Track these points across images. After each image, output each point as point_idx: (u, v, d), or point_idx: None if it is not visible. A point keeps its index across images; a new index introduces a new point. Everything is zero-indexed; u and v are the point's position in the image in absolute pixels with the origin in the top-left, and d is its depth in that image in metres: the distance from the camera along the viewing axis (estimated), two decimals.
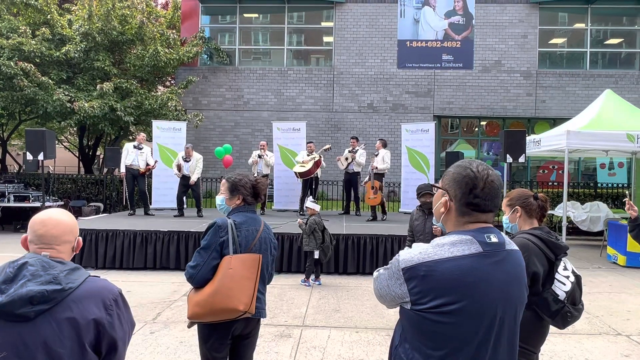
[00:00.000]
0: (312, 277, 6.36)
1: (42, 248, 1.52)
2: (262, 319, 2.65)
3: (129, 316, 1.59)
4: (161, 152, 10.93)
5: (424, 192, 4.66)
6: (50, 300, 1.39)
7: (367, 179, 9.17)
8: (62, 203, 11.14)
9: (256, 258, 2.43)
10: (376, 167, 9.12)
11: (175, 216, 9.04)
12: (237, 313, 2.35)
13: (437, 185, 1.49)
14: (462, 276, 1.27)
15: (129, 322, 1.58)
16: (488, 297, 1.29)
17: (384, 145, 9.53)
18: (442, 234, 4.70)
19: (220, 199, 2.65)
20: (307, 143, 9.87)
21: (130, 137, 19.60)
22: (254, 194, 2.60)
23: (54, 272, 1.44)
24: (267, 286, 2.68)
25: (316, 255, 6.15)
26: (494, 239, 1.34)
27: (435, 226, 4.38)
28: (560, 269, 2.18)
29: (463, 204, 1.36)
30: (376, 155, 9.29)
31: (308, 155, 9.48)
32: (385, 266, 1.45)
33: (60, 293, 1.41)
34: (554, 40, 14.95)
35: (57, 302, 1.40)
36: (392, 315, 4.97)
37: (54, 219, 1.56)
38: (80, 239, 1.64)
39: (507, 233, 2.44)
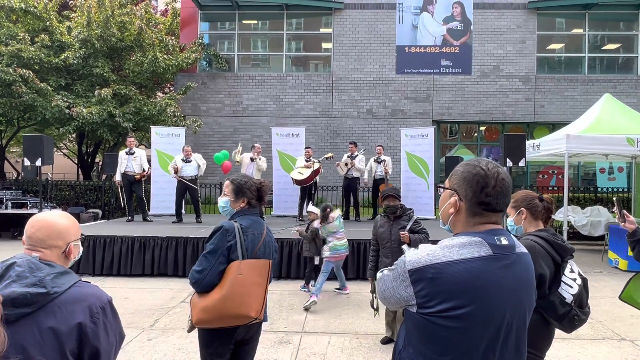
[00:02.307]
0: (312, 282, 6.30)
1: (30, 249, 1.48)
2: (262, 324, 2.62)
3: (118, 327, 1.51)
4: (160, 158, 10.90)
5: (388, 194, 4.22)
6: (32, 303, 1.33)
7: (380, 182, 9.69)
8: (60, 209, 11.09)
9: (266, 264, 2.44)
10: (388, 172, 9.56)
11: (174, 222, 8.98)
12: (249, 319, 2.33)
13: (443, 185, 1.44)
14: (472, 279, 1.22)
15: (116, 333, 1.49)
16: (497, 302, 1.24)
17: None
18: (410, 241, 3.90)
19: (223, 200, 2.60)
20: (305, 148, 9.81)
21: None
22: (258, 196, 2.59)
23: (41, 274, 1.38)
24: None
25: (316, 261, 6.09)
26: (504, 241, 1.30)
27: (403, 232, 4.05)
28: (566, 271, 2.14)
29: (474, 203, 1.31)
30: (381, 162, 9.65)
31: (306, 160, 9.40)
32: (389, 267, 1.41)
33: (44, 297, 1.35)
34: (552, 46, 14.99)
35: (41, 306, 1.34)
36: None
37: (44, 221, 1.50)
38: (74, 245, 1.55)
39: None
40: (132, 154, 9.15)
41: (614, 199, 3.12)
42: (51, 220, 1.51)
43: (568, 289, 2.09)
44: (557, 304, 2.07)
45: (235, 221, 2.45)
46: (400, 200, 4.30)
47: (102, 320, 1.43)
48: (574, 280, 2.11)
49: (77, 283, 1.46)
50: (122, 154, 9.28)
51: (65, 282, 1.42)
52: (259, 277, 2.36)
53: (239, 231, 2.39)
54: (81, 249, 1.63)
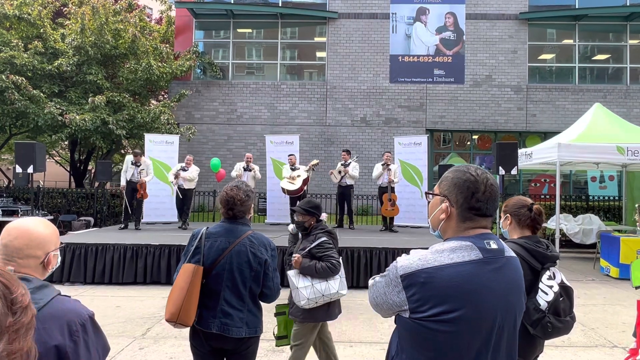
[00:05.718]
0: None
1: (5, 260, 1.39)
2: (253, 339, 2.58)
3: (101, 342, 1.44)
4: (153, 165, 10.84)
5: (295, 209, 3.53)
6: None
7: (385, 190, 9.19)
8: (51, 217, 10.98)
9: (191, 268, 2.39)
10: (392, 180, 9.10)
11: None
12: (168, 322, 2.43)
13: (432, 192, 1.46)
14: (463, 283, 1.24)
15: (100, 348, 1.42)
16: (488, 305, 1.25)
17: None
18: (301, 265, 3.25)
19: None
20: (288, 156, 9.69)
21: (122, 152, 19.48)
22: (225, 208, 2.51)
23: None
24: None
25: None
26: (493, 245, 1.32)
27: (295, 255, 3.31)
28: (544, 278, 2.13)
29: (465, 208, 1.33)
30: (389, 169, 9.21)
31: (292, 169, 9.33)
32: (381, 274, 1.41)
33: None
34: (543, 56, 15.21)
35: None
36: (387, 329, 4.89)
37: (21, 229, 1.41)
38: (53, 255, 1.45)
39: (501, 237, 2.43)
40: (139, 166, 9.17)
41: (636, 205, 3.07)
42: (31, 228, 1.42)
43: (543, 296, 2.10)
44: (531, 310, 2.08)
45: (208, 227, 2.53)
46: (314, 216, 3.49)
47: (82, 338, 1.36)
48: (551, 287, 2.11)
49: (56, 297, 1.37)
50: (128, 162, 9.25)
51: (43, 297, 1.34)
52: (183, 281, 2.39)
53: (202, 236, 2.46)
54: (59, 258, 1.54)
